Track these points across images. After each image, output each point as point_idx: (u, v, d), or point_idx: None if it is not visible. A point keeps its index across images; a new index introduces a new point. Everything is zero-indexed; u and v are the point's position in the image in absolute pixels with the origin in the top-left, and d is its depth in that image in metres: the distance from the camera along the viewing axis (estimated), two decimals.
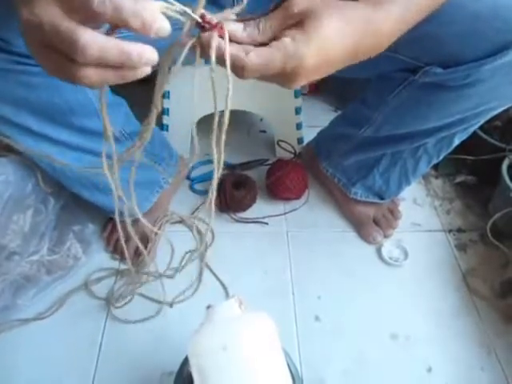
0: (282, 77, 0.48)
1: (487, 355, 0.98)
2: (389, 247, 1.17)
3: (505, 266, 1.13)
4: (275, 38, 0.47)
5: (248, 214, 1.22)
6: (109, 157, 0.91)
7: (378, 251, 1.16)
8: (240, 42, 0.46)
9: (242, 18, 0.47)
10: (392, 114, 0.93)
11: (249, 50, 0.45)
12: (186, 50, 0.44)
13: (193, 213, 1.22)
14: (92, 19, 0.38)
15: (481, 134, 1.19)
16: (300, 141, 1.36)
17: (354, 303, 1.06)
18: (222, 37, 0.44)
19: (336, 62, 0.50)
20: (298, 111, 1.27)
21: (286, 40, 0.46)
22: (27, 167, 0.90)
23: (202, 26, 0.43)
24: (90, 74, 0.39)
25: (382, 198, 1.17)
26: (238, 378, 0.63)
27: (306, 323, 1.02)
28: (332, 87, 1.58)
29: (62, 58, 0.39)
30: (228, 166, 1.31)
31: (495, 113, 0.86)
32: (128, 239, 1.12)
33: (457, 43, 0.71)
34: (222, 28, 0.44)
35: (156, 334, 0.99)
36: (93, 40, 0.37)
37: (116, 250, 1.13)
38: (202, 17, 0.43)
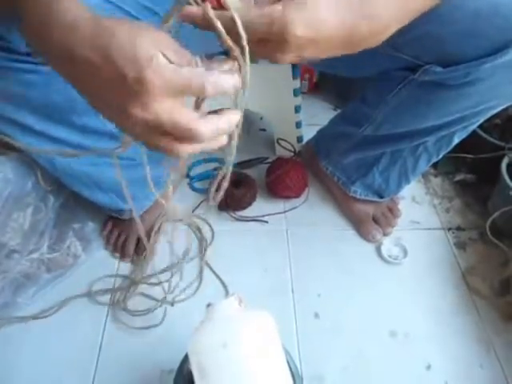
0: (268, 44, 0.47)
1: (486, 353, 0.98)
2: (388, 245, 1.17)
3: (504, 265, 1.12)
4: None
5: (248, 212, 1.22)
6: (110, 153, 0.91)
7: (378, 249, 1.16)
8: None
9: None
10: (392, 112, 0.93)
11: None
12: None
13: (193, 211, 1.22)
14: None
15: (480, 132, 1.19)
16: (300, 139, 1.36)
17: (354, 301, 1.06)
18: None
19: (328, 40, 0.49)
20: (297, 110, 1.26)
21: (276, 5, 0.46)
22: (27, 165, 0.90)
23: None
24: (188, 148, 0.45)
25: (381, 197, 1.17)
26: (238, 375, 0.63)
27: (305, 321, 1.02)
28: (332, 86, 1.58)
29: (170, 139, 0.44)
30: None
31: (495, 111, 0.86)
32: (127, 237, 1.13)
33: (457, 42, 0.71)
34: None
35: (156, 332, 0.99)
36: (206, 127, 0.43)
37: (116, 249, 1.13)
38: None
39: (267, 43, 0.47)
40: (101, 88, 0.43)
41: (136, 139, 0.47)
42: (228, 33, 0.45)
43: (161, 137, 0.44)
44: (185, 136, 0.43)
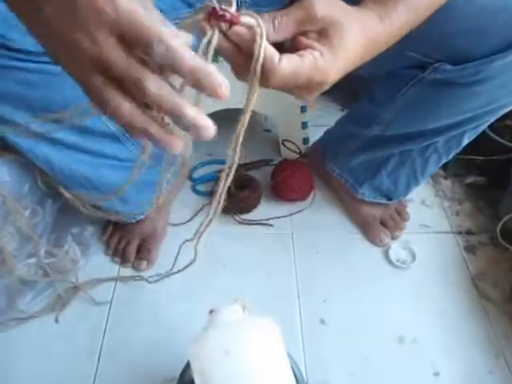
0: (303, 89, 0.48)
1: (496, 359, 0.97)
2: (396, 249, 1.15)
3: None
4: (292, 39, 0.46)
5: (252, 215, 1.22)
6: (113, 157, 0.90)
7: (386, 253, 1.15)
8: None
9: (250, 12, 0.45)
10: (400, 112, 0.92)
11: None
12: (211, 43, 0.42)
13: (195, 214, 1.20)
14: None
15: (491, 134, 1.18)
16: (305, 141, 1.35)
17: (361, 306, 1.05)
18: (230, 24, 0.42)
19: (347, 71, 0.50)
20: (303, 110, 1.25)
21: (316, 54, 0.45)
22: (24, 167, 0.89)
23: (218, 16, 0.42)
24: (132, 111, 0.39)
25: (389, 199, 1.16)
26: (241, 383, 0.62)
27: (311, 326, 1.01)
28: (339, 85, 1.56)
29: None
30: None
31: (506, 110, 0.86)
32: (129, 242, 1.12)
33: (466, 39, 0.71)
34: (236, 19, 0.42)
35: (157, 339, 0.98)
36: (154, 86, 0.37)
37: (116, 253, 1.12)
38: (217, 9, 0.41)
39: (300, 89, 0.48)
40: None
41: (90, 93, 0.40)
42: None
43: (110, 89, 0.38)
44: (129, 81, 0.37)
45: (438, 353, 0.98)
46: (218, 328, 0.66)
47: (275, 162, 1.31)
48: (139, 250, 1.12)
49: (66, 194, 0.65)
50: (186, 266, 0.65)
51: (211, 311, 0.70)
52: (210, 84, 0.36)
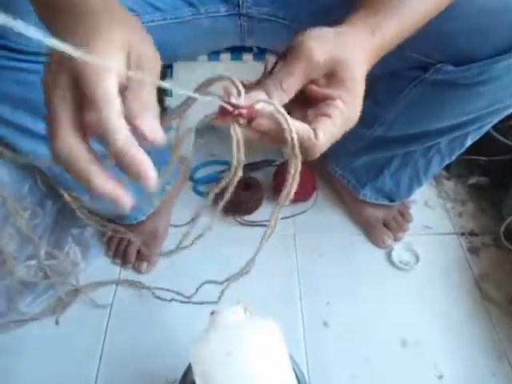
0: (347, 125, 0.47)
1: (499, 361, 0.97)
2: (399, 251, 1.15)
3: None
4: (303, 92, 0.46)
5: (254, 216, 1.21)
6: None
7: (388, 255, 1.14)
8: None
9: (251, 83, 0.45)
10: (403, 112, 0.91)
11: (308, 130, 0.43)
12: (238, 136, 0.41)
13: (197, 217, 1.19)
14: None
15: (494, 134, 1.17)
16: None
17: (363, 308, 1.04)
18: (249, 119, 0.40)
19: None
20: None
21: (340, 105, 0.45)
22: (24, 168, 0.89)
23: (234, 115, 0.39)
24: (78, 147, 0.37)
25: (392, 200, 1.16)
26: None
27: (313, 329, 1.01)
28: None
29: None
30: None
31: (510, 111, 0.85)
32: (129, 244, 1.11)
33: (468, 39, 0.70)
34: (252, 110, 0.40)
35: (159, 341, 0.97)
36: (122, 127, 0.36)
37: (117, 255, 1.12)
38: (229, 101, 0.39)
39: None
40: None
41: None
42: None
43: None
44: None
45: (441, 355, 0.97)
46: (220, 330, 0.66)
47: (277, 163, 1.30)
48: (140, 251, 1.11)
49: (66, 197, 0.64)
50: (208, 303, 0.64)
51: (213, 313, 0.70)
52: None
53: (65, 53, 0.26)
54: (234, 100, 0.39)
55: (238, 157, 0.41)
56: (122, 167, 0.36)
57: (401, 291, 1.08)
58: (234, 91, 0.40)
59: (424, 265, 1.12)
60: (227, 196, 0.47)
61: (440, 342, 0.99)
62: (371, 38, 0.50)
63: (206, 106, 0.40)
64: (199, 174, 1.29)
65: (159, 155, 0.44)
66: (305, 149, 0.43)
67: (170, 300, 1.01)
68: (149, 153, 0.43)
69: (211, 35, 0.88)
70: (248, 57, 1.12)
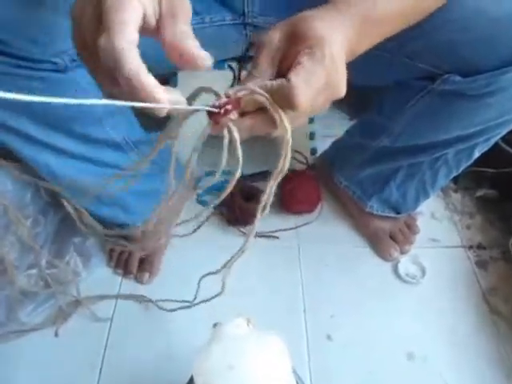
0: (327, 90, 0.47)
1: (507, 376, 0.96)
2: (406, 264, 1.14)
3: None
4: None
5: (257, 227, 1.19)
6: (117, 167, 0.89)
7: (395, 268, 1.13)
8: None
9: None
10: (409, 123, 0.90)
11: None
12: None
13: (199, 226, 1.19)
14: None
15: (503, 145, 1.16)
16: (313, 151, 1.34)
17: (369, 322, 1.03)
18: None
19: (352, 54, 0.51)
20: (311, 120, 1.24)
21: (306, 52, 0.44)
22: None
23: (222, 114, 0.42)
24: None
25: (398, 212, 1.15)
26: None
27: (317, 342, 1.00)
28: (347, 95, 1.55)
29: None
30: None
31: None
32: (131, 253, 1.11)
33: (475, 50, 0.70)
34: (235, 100, 0.42)
35: (160, 353, 0.97)
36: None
37: (119, 265, 1.12)
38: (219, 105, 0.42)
39: (327, 88, 0.48)
40: None
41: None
42: None
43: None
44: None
45: (448, 369, 0.97)
46: (222, 342, 0.65)
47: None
48: (142, 261, 1.11)
49: (67, 207, 0.64)
50: (212, 297, 0.64)
51: (215, 325, 0.70)
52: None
53: None
54: (216, 102, 0.42)
55: (238, 155, 0.44)
56: (131, 94, 0.38)
57: (407, 304, 1.07)
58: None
59: (431, 278, 1.11)
60: (226, 194, 0.48)
61: (446, 356, 0.99)
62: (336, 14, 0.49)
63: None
64: (203, 184, 1.28)
65: (164, 162, 0.45)
66: (283, 97, 0.42)
67: (175, 309, 1.00)
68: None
69: (216, 44, 0.87)
70: None
